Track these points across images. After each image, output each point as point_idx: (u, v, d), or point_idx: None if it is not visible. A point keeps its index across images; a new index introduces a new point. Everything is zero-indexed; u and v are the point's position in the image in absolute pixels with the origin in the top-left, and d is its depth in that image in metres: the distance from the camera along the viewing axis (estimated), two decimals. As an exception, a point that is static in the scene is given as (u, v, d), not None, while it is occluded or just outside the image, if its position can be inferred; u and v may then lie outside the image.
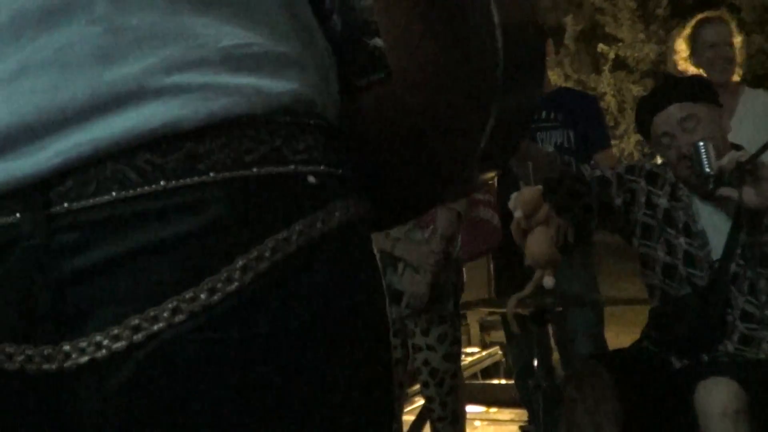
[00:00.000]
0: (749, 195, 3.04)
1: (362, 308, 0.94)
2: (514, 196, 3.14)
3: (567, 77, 15.95)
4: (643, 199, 3.46)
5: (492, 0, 1.13)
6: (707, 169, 3.08)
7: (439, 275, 4.33)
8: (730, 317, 3.28)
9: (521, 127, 1.32)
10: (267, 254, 0.86)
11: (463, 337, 8.25)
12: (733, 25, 4.87)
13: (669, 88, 3.56)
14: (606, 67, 15.91)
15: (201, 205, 0.84)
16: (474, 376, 7.22)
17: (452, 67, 1.09)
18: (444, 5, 1.10)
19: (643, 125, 3.47)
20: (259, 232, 0.86)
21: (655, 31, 15.32)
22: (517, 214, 3.11)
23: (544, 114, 4.71)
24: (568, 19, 16.50)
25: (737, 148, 3.31)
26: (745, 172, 3.02)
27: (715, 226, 3.35)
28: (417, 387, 5.00)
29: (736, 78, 4.80)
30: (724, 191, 3.09)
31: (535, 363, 3.63)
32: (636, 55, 15.49)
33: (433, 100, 1.09)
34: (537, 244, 3.12)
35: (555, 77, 15.17)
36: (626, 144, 16.46)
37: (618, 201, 3.44)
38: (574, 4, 16.51)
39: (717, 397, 3.00)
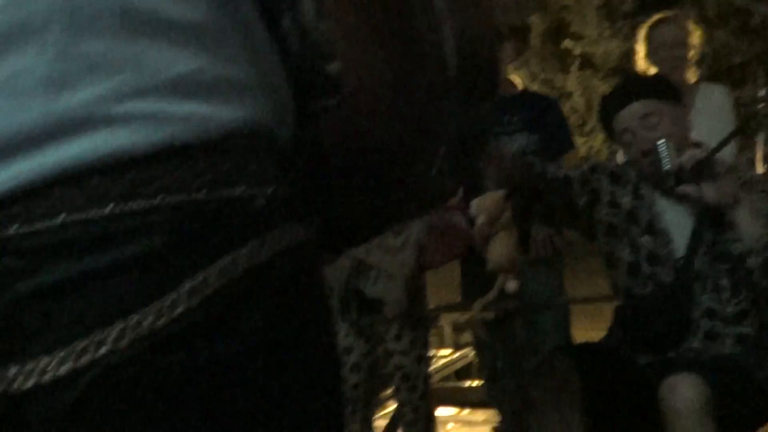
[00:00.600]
0: (709, 191, 3.08)
1: (310, 331, 0.95)
2: (476, 201, 3.16)
3: (534, 77, 15.99)
4: (606, 199, 3.47)
5: (446, 18, 1.13)
6: (667, 166, 3.12)
7: (413, 282, 4.36)
8: (694, 314, 3.30)
9: (478, 144, 1.33)
10: (213, 278, 0.86)
11: (436, 339, 8.28)
12: (690, 24, 4.91)
13: (631, 85, 3.60)
14: (573, 67, 15.95)
15: (148, 229, 0.84)
16: (447, 377, 7.23)
17: (408, 87, 1.10)
18: (400, 29, 1.11)
19: (606, 122, 3.50)
20: (206, 257, 0.86)
21: (621, 28, 15.36)
22: (480, 219, 3.12)
23: (506, 118, 4.73)
24: (534, 18, 16.53)
25: (698, 145, 3.34)
26: (704, 169, 3.05)
27: (678, 224, 3.37)
28: (389, 391, 5.02)
29: (692, 76, 4.85)
30: (684, 188, 3.12)
31: (501, 366, 3.66)
32: (602, 51, 15.52)
33: (390, 120, 1.10)
34: (499, 249, 3.14)
35: (521, 77, 15.20)
36: (594, 141, 16.51)
37: (581, 200, 3.45)
38: (540, 2, 16.54)
39: (682, 393, 3.01)
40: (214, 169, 0.88)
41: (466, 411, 6.32)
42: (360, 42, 1.11)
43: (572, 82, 15.89)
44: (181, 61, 0.89)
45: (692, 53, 4.84)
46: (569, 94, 15.93)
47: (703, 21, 13.80)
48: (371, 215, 1.20)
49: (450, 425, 6.34)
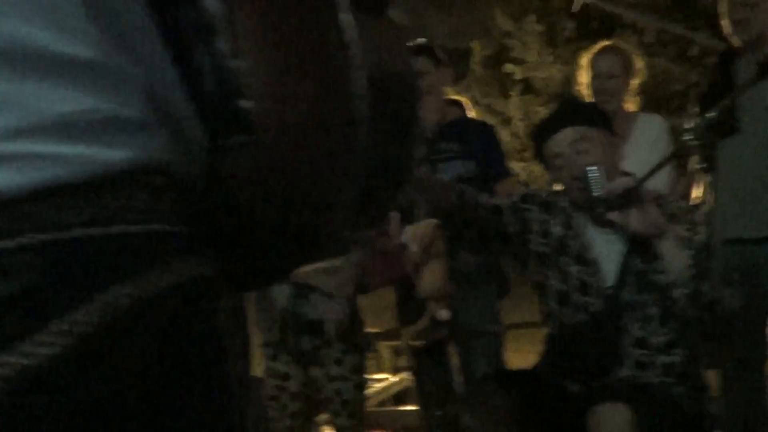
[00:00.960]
0: (634, 220, 3.11)
1: (199, 373, 0.93)
2: (408, 229, 3.17)
3: (475, 101, 16.04)
4: (537, 228, 3.49)
5: (359, 56, 1.12)
6: (596, 193, 3.14)
7: (353, 303, 4.41)
8: (623, 343, 3.32)
9: (397, 182, 1.32)
10: (88, 317, 0.83)
11: (374, 363, 8.28)
12: (629, 54, 4.96)
13: (564, 111, 3.63)
14: (514, 92, 16.03)
15: (18, 268, 0.82)
16: (384, 402, 7.22)
17: (321, 127, 1.09)
18: (315, 68, 1.11)
19: (539, 148, 3.52)
20: (82, 295, 0.84)
21: (562, 53, 15.48)
22: (413, 247, 3.13)
23: (443, 144, 4.74)
24: (475, 44, 16.61)
25: (628, 174, 3.38)
26: (632, 197, 3.08)
27: (607, 253, 3.39)
28: (323, 416, 5.02)
29: (632, 106, 4.89)
30: (612, 216, 3.15)
31: (432, 392, 3.66)
32: (543, 77, 15.62)
33: (302, 159, 1.09)
34: (431, 276, 3.14)
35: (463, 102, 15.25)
36: (534, 167, 16.60)
37: (512, 229, 3.47)
38: (482, 28, 16.62)
39: (610, 422, 3.03)
40: (93, 207, 0.86)
41: (403, 436, 6.31)
42: (275, 79, 1.10)
43: (513, 107, 15.97)
44: (68, 101, 0.88)
45: (633, 83, 4.88)
46: (510, 119, 16.02)
47: (643, 48, 13.97)
48: (282, 255, 1.19)
49: (385, 450, 6.33)
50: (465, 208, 3.32)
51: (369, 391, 7.05)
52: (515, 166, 14.86)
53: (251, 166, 1.08)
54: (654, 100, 13.80)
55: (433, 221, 3.13)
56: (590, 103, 4.32)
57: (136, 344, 0.87)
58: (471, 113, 5.35)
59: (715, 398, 3.97)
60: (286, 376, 4.52)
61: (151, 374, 0.88)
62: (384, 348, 8.18)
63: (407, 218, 3.37)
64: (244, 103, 1.05)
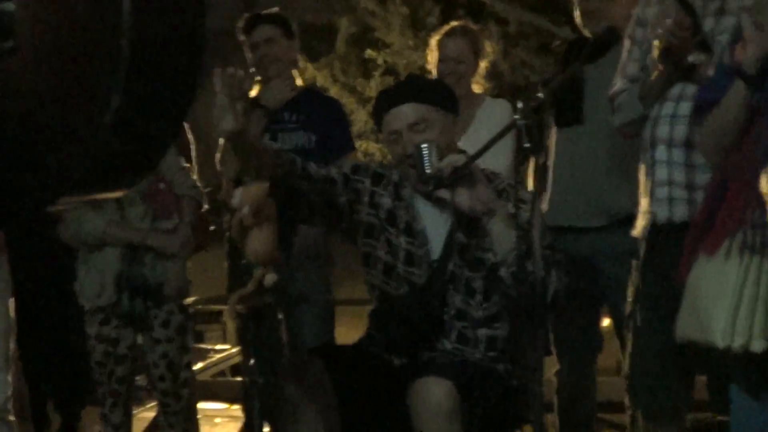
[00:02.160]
0: (461, 198, 3.13)
1: None
2: (238, 191, 3.14)
3: (335, 80, 16.01)
4: (366, 199, 3.49)
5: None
6: (427, 170, 3.16)
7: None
8: (446, 316, 3.36)
9: (160, 119, 1.29)
10: None
11: (218, 334, 8.26)
12: (478, 37, 4.98)
13: (406, 87, 3.64)
14: (376, 72, 16.01)
15: None
16: (221, 373, 7.22)
17: (78, 50, 1.06)
18: None
19: (379, 119, 3.52)
20: None
21: (424, 39, 15.56)
22: (244, 210, 3.10)
23: (286, 115, 4.76)
24: (342, 22, 16.55)
25: (462, 152, 3.40)
26: (460, 176, 3.11)
27: (435, 226, 3.42)
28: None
29: (478, 89, 4.93)
30: (440, 193, 3.17)
31: (251, 361, 3.66)
32: (404, 62, 15.63)
33: (53, 79, 1.06)
34: (260, 241, 3.13)
35: (322, 80, 15.24)
36: (389, 148, 16.60)
37: (342, 200, 3.45)
38: (347, 6, 16.57)
39: (430, 396, 3.04)
40: None
41: (236, 406, 6.29)
42: None
43: (374, 87, 15.94)
44: None
45: (481, 66, 4.92)
46: (369, 100, 15.99)
47: (505, 38, 14.13)
48: (35, 182, 1.16)
49: (218, 420, 6.33)
50: (295, 177, 3.30)
51: (208, 361, 7.07)
52: (371, 146, 14.89)
53: (12, 75, 1.05)
54: (513, 87, 13.99)
55: (265, 184, 3.10)
56: (435, 81, 4.33)
57: None
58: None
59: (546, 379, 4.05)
60: (115, 342, 4.49)
61: None
62: (230, 319, 8.16)
63: (238, 181, 3.35)
64: (7, 6, 1.02)
